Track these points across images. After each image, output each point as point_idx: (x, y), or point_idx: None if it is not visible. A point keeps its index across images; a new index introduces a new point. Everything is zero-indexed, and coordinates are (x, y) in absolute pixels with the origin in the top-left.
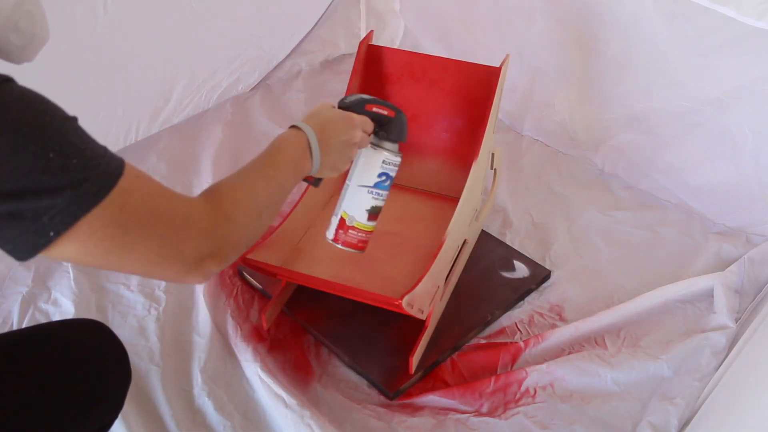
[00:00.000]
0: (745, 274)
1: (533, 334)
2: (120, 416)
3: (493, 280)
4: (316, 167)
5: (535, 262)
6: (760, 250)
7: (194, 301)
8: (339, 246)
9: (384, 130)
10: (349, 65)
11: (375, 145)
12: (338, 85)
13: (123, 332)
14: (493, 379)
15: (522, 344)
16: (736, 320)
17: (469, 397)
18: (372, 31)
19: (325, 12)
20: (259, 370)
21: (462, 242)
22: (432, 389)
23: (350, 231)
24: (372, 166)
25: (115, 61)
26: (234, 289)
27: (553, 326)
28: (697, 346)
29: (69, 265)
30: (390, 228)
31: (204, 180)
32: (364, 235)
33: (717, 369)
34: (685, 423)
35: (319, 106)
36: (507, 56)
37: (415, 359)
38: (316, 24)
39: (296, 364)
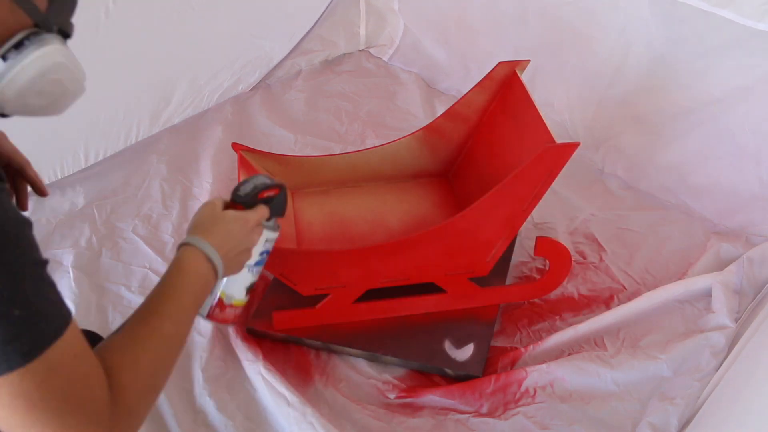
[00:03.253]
0: (744, 274)
1: (533, 334)
2: None
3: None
4: (218, 290)
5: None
6: (760, 250)
7: None
8: (211, 322)
9: (269, 207)
10: (349, 65)
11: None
12: (338, 85)
13: None
14: (493, 378)
15: (523, 349)
16: (736, 320)
17: (469, 397)
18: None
19: (324, 11)
20: (262, 369)
21: None
22: (432, 389)
23: (227, 309)
24: (256, 246)
25: (116, 62)
26: None
27: (553, 327)
28: (696, 346)
29: (69, 265)
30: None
31: (204, 180)
32: (240, 310)
33: (717, 369)
34: (685, 423)
35: (206, 209)
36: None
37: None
38: (316, 23)
39: (297, 364)
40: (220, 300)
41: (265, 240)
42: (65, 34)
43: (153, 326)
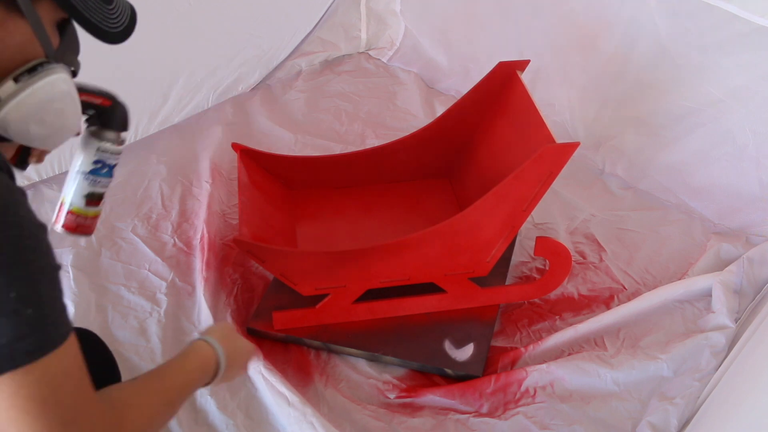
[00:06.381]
0: (744, 274)
1: (533, 334)
2: None
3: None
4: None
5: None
6: (760, 250)
7: (195, 301)
8: (58, 228)
9: (102, 119)
10: (349, 66)
11: (92, 133)
12: (338, 85)
13: (123, 333)
14: (493, 378)
15: (523, 349)
16: (736, 320)
17: (469, 397)
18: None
19: (325, 13)
20: (262, 369)
21: None
22: (432, 389)
23: (69, 215)
24: (88, 153)
25: (112, 59)
26: (234, 288)
27: (553, 327)
28: (696, 346)
29: (69, 264)
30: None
31: (204, 180)
32: (83, 219)
33: (717, 369)
34: (685, 423)
35: (225, 326)
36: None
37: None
38: (317, 25)
39: (297, 364)
40: (62, 204)
41: (97, 149)
42: (72, 72)
43: (163, 384)
